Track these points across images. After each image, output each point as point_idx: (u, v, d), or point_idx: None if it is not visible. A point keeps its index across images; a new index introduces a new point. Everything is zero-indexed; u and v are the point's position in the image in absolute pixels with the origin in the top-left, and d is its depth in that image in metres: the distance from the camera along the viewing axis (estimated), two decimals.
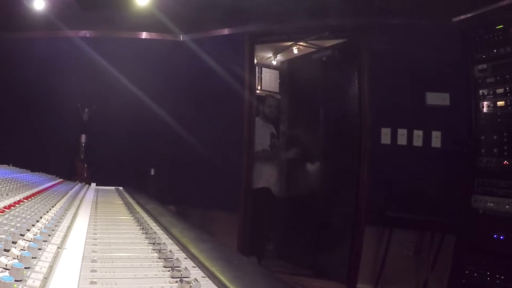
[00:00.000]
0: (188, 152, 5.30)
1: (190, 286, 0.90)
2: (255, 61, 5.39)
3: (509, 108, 3.70)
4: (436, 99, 4.32)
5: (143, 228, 1.52)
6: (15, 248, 0.95)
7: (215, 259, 1.12)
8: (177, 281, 0.94)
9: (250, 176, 5.07)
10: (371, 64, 4.57)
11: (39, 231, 1.15)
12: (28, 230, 1.14)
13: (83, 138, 5.23)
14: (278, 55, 6.63)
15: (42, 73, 5.18)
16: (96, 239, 1.31)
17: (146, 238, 1.37)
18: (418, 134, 4.38)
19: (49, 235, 1.16)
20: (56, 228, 1.29)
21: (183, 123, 5.31)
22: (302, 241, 5.44)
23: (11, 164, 2.99)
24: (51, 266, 0.93)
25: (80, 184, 3.12)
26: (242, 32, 5.15)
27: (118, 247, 1.24)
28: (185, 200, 5.23)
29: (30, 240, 1.05)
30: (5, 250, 0.92)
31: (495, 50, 3.83)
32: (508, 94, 3.70)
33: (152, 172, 5.33)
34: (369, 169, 4.51)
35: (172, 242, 1.35)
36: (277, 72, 6.98)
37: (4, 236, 1.01)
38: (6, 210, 1.35)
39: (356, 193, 4.58)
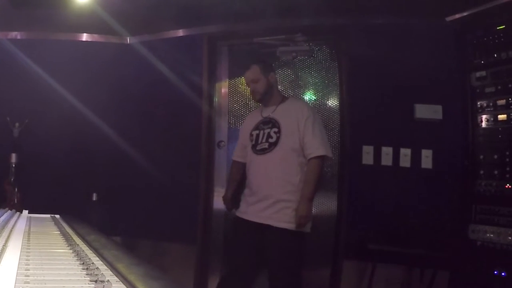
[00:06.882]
0: (136, 174, 5.12)
1: None
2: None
3: None
4: (427, 112, 4.18)
5: (83, 263, 1.51)
6: None
7: None
8: None
9: (209, 203, 4.87)
10: (351, 70, 4.45)
11: None
12: None
13: (14, 157, 4.95)
14: None
15: None
16: (28, 275, 1.31)
17: (87, 274, 1.37)
18: (405, 153, 4.22)
19: None
20: None
21: (131, 140, 5.14)
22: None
23: None
24: None
25: (9, 211, 3.10)
26: (200, 34, 5.02)
27: (55, 285, 1.25)
28: (133, 231, 5.05)
29: None
30: None
31: (495, 55, 3.66)
32: (511, 106, 3.55)
33: (95, 198, 5.10)
34: (348, 193, 4.37)
35: (118, 280, 1.35)
36: None
37: None
38: None
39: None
